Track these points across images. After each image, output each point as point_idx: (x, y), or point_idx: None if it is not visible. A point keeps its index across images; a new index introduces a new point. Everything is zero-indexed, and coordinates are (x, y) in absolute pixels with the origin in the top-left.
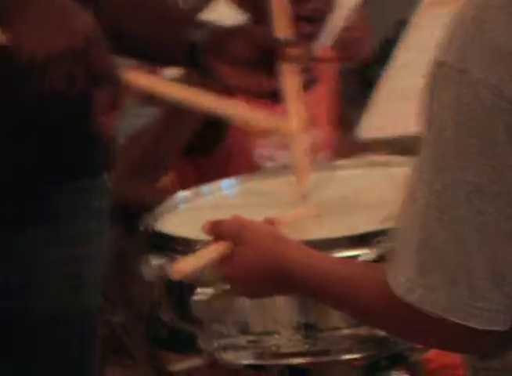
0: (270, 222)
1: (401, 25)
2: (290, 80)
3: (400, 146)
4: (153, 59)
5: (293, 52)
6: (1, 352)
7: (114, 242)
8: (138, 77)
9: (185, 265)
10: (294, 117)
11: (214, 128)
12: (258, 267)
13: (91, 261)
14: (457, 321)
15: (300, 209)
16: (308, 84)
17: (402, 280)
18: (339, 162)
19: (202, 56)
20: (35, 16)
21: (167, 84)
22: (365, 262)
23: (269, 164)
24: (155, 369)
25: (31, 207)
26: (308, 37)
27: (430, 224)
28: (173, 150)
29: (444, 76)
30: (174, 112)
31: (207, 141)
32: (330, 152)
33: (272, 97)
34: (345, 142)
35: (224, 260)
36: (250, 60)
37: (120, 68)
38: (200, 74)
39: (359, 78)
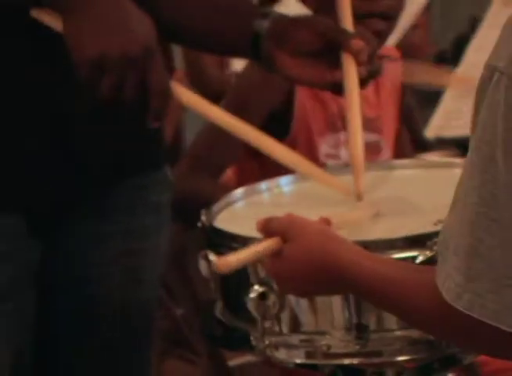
0: (325, 221)
1: (474, 22)
2: (351, 73)
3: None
4: (217, 49)
5: (357, 44)
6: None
7: (176, 236)
8: (185, 93)
9: (231, 260)
10: (353, 113)
11: (277, 124)
12: (307, 265)
13: (150, 255)
14: (506, 329)
15: (357, 211)
16: (372, 76)
17: (452, 286)
18: (398, 162)
19: (265, 45)
20: (97, 11)
21: (211, 106)
22: (416, 264)
23: (332, 161)
24: (214, 363)
25: (93, 203)
26: (381, 35)
27: (479, 230)
28: (237, 146)
29: (495, 80)
30: (239, 107)
31: (270, 137)
32: (394, 151)
33: (334, 89)
34: (411, 141)
35: (272, 256)
36: (313, 51)
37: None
38: (262, 65)
39: None
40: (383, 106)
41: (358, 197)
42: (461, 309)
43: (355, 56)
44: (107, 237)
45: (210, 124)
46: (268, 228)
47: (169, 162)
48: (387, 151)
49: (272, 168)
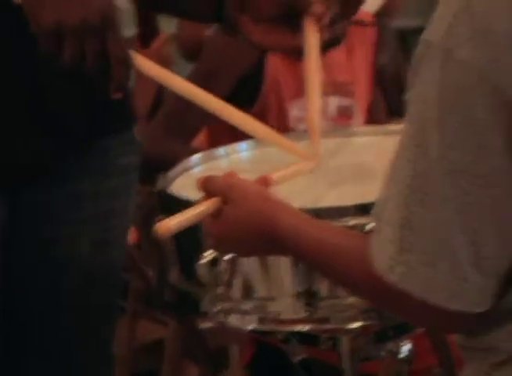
0: (265, 180)
1: None
2: (312, 37)
3: None
4: (181, 14)
5: (318, 8)
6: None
7: (146, 198)
8: (147, 64)
9: (170, 223)
10: (312, 77)
11: (248, 89)
12: (245, 227)
13: (118, 217)
14: (436, 302)
15: (294, 165)
16: (332, 44)
17: (384, 257)
18: (358, 129)
19: (228, 11)
20: None
21: (173, 77)
22: (357, 232)
23: (302, 126)
24: (184, 326)
25: (64, 165)
26: (355, 2)
27: (413, 203)
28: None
29: (429, 55)
30: (209, 72)
31: (240, 101)
32: (367, 116)
33: (296, 54)
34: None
35: (212, 217)
36: (275, 16)
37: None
38: (225, 29)
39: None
40: (356, 71)
41: (315, 160)
42: (393, 280)
43: (317, 20)
44: (77, 199)
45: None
46: (208, 188)
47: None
48: (359, 116)
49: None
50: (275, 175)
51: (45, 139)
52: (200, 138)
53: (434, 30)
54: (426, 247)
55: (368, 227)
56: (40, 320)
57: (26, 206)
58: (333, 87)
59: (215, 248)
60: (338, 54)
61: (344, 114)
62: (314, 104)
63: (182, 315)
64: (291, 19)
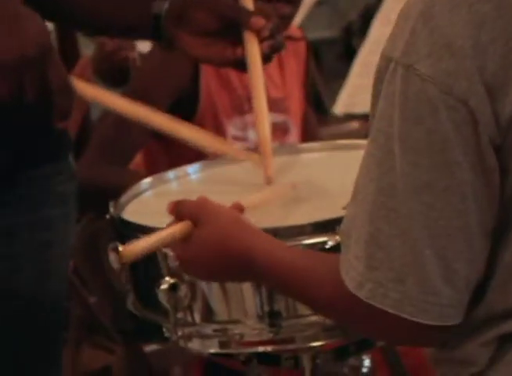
0: (238, 206)
1: None
2: (253, 50)
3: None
4: (119, 33)
5: (257, 21)
6: None
7: (88, 224)
8: (86, 88)
9: (136, 247)
10: (258, 94)
11: (184, 107)
12: (216, 251)
13: (57, 246)
14: (407, 317)
15: (265, 192)
16: (275, 51)
17: (354, 274)
18: (305, 145)
19: (165, 27)
20: None
21: (114, 97)
22: (325, 253)
23: (240, 144)
24: (131, 350)
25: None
26: (287, 18)
27: (378, 220)
28: (142, 131)
29: (390, 71)
30: (143, 92)
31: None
32: (302, 131)
33: (237, 66)
34: (318, 119)
35: (182, 240)
36: (213, 29)
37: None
38: (164, 46)
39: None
40: (288, 86)
41: (268, 181)
42: (363, 298)
43: (257, 33)
44: (13, 230)
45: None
46: (178, 211)
47: (77, 150)
48: (294, 132)
49: (179, 150)
50: (246, 203)
51: None
52: (136, 160)
53: (394, 46)
54: (393, 264)
55: (329, 244)
56: None
57: None
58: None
59: (183, 272)
60: (271, 69)
61: (280, 131)
62: (263, 120)
63: (132, 340)
64: (231, 32)
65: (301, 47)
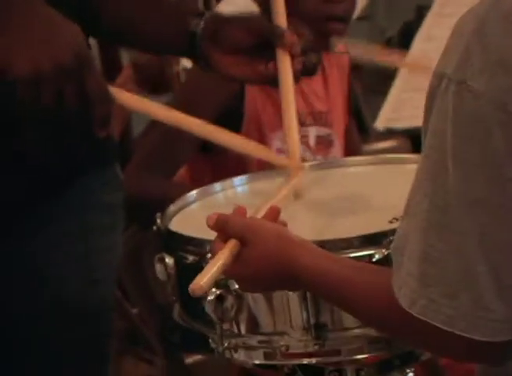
0: (273, 211)
1: (420, 10)
2: (285, 67)
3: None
4: (155, 49)
5: (289, 38)
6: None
7: (131, 236)
8: (127, 97)
9: (202, 281)
10: (288, 110)
11: (228, 123)
12: (265, 268)
13: (106, 255)
14: (459, 333)
15: (283, 189)
16: (307, 72)
17: (407, 292)
18: (350, 159)
19: (201, 45)
20: (19, 28)
21: (158, 106)
22: (373, 265)
23: (285, 156)
24: (172, 362)
25: (46, 204)
26: (339, 35)
27: (431, 237)
28: (188, 144)
29: (443, 87)
30: (188, 107)
31: None
32: (345, 144)
33: (269, 83)
34: (361, 133)
35: (232, 261)
36: (247, 48)
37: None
38: (199, 63)
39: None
40: (332, 99)
41: (296, 196)
42: (416, 314)
43: (289, 49)
44: (63, 238)
45: (158, 123)
46: (224, 229)
47: (119, 161)
48: (338, 145)
49: (224, 163)
50: (276, 204)
51: (17, 176)
52: (180, 172)
53: (447, 62)
54: (447, 280)
55: (376, 257)
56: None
57: (13, 249)
58: (311, 117)
59: (243, 291)
60: (315, 83)
61: (324, 144)
62: (292, 135)
63: (174, 352)
64: (265, 51)
65: (345, 60)
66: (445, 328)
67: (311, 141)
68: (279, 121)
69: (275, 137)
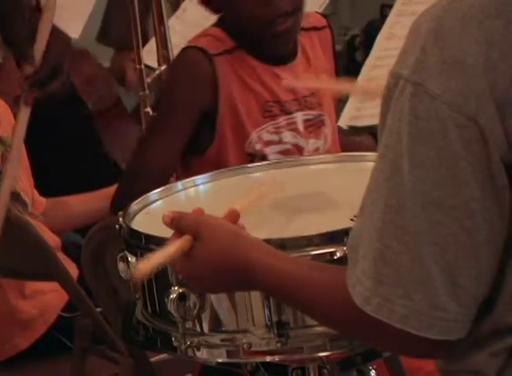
0: (233, 213)
1: (384, 9)
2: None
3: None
4: None
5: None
6: None
7: (95, 233)
8: None
9: (143, 266)
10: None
11: (206, 123)
12: (217, 265)
13: None
14: (414, 332)
15: (254, 193)
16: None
17: (361, 290)
18: (311, 157)
19: None
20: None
21: None
22: (327, 264)
23: (276, 147)
24: (136, 360)
25: None
26: (292, 29)
27: (386, 237)
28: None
29: (400, 88)
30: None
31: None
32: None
33: None
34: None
35: (183, 255)
36: None
37: None
38: None
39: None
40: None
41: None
42: (370, 312)
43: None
44: None
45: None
46: (178, 225)
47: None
48: (329, 122)
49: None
50: (238, 207)
51: None
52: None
53: (403, 63)
54: (401, 280)
55: (337, 255)
56: None
57: None
58: (297, 103)
59: (187, 286)
60: (296, 67)
61: (314, 126)
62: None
63: (138, 350)
64: None
65: (327, 34)
66: (400, 327)
67: (300, 126)
68: (264, 114)
69: (263, 130)
